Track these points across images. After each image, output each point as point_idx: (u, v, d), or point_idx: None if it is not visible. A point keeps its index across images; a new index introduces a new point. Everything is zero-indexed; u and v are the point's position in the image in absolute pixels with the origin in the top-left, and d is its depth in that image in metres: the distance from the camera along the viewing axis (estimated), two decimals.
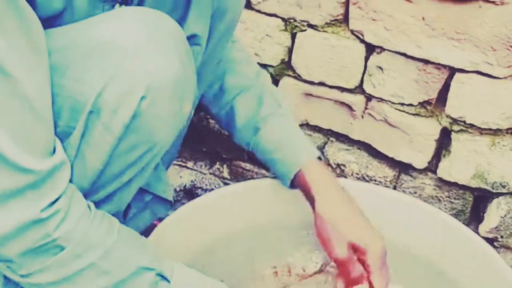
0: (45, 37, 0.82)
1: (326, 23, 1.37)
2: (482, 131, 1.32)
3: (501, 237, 1.38)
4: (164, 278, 0.91)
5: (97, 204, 0.92)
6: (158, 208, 1.19)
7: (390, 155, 1.42)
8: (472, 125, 1.32)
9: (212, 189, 1.59)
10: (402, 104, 1.36)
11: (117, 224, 0.90)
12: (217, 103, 1.23)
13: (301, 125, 1.50)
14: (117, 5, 0.93)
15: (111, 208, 0.95)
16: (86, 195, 0.90)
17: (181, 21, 1.02)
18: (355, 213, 1.13)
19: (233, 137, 1.23)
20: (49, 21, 0.85)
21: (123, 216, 1.14)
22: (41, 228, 0.82)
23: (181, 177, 1.64)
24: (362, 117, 1.42)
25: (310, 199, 1.14)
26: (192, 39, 1.03)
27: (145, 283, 0.89)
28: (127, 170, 0.92)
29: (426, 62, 1.30)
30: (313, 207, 1.13)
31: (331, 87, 1.42)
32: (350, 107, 1.42)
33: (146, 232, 1.09)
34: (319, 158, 1.18)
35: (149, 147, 0.90)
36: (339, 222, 1.10)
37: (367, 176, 1.46)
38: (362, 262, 1.09)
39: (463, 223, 1.30)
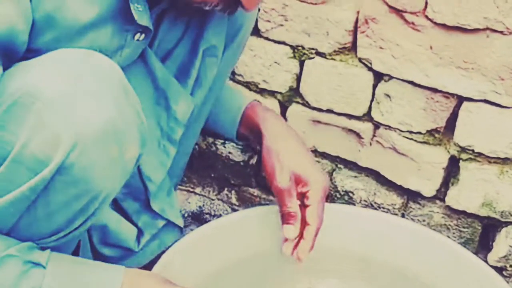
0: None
1: (334, 51, 1.38)
2: (490, 160, 1.31)
3: (510, 266, 1.37)
4: (36, 264, 0.86)
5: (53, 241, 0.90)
6: (168, 236, 1.19)
7: (398, 183, 1.42)
8: (480, 154, 1.31)
9: (220, 215, 1.59)
10: (410, 132, 1.36)
11: None
12: None
13: None
14: (138, 34, 0.95)
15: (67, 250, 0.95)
16: (40, 238, 0.89)
17: (199, 34, 1.05)
18: (302, 148, 1.16)
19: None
20: None
21: (137, 244, 1.14)
22: None
23: (189, 202, 1.64)
24: (370, 144, 1.42)
25: (258, 137, 1.17)
26: (209, 50, 1.06)
27: (11, 273, 0.83)
28: (78, 217, 0.88)
29: (434, 90, 1.31)
30: (261, 143, 1.16)
31: (339, 114, 1.43)
32: (358, 135, 1.43)
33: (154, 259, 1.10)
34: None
35: (92, 195, 0.86)
36: (285, 153, 1.12)
37: (375, 203, 1.46)
38: (301, 196, 1.12)
39: (472, 251, 1.29)
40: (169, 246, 1.15)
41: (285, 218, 1.11)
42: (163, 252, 1.13)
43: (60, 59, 0.84)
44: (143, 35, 0.97)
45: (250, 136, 1.20)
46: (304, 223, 1.11)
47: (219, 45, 1.06)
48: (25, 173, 0.82)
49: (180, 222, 1.19)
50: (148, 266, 1.13)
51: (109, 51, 0.93)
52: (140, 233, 1.17)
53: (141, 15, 0.91)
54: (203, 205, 1.65)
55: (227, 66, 1.13)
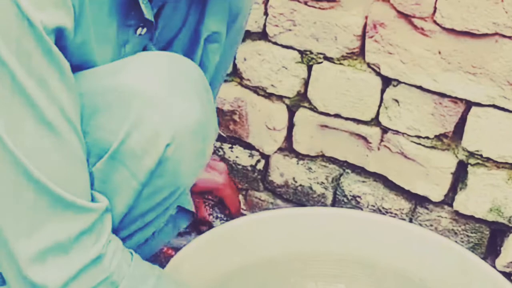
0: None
1: (342, 56, 1.38)
2: (498, 165, 1.31)
3: None
4: None
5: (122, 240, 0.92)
6: (180, 220, 1.19)
7: (406, 188, 1.41)
8: (488, 159, 1.31)
9: (227, 220, 1.59)
10: (419, 136, 1.36)
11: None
12: None
13: (317, 156, 1.50)
14: (140, 28, 0.95)
15: (130, 245, 0.96)
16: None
17: (199, 21, 1.04)
18: None
19: None
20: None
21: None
22: (99, 265, 0.82)
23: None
24: (378, 149, 1.42)
25: None
26: (212, 37, 1.05)
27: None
28: (151, 212, 0.93)
29: (442, 95, 1.31)
30: None
31: (346, 119, 1.43)
32: (366, 139, 1.43)
33: (162, 258, 1.10)
34: None
35: (173, 190, 0.90)
36: None
37: (383, 208, 1.46)
38: None
39: (480, 257, 1.29)
40: (178, 249, 1.15)
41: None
42: (170, 256, 1.13)
43: (149, 61, 0.87)
44: (144, 29, 0.96)
45: None
46: None
47: (221, 31, 1.06)
48: (122, 169, 0.85)
49: (191, 207, 1.20)
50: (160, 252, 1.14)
51: (115, 47, 0.93)
52: None
53: (148, 10, 0.91)
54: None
55: (229, 51, 1.14)
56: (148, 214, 0.93)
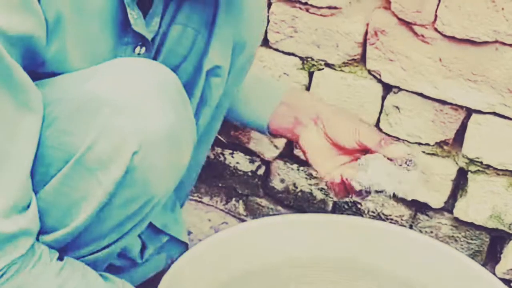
0: (40, 90, 0.83)
1: (344, 63, 1.39)
2: (499, 172, 1.31)
3: None
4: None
5: (100, 249, 0.92)
6: (173, 250, 1.18)
7: None
8: (489, 166, 1.31)
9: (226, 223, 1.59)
10: (419, 143, 1.37)
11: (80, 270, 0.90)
12: None
13: None
14: (138, 47, 0.95)
15: (114, 252, 0.95)
16: (85, 243, 0.91)
17: (203, 54, 1.03)
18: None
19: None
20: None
21: (140, 257, 1.14)
22: None
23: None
24: None
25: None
26: (214, 70, 1.04)
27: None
28: (127, 221, 0.91)
29: (443, 102, 1.31)
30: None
31: None
32: None
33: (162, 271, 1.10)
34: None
35: (147, 199, 0.88)
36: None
37: (383, 214, 1.46)
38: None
39: (480, 263, 1.29)
40: (175, 260, 1.15)
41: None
42: (170, 264, 1.13)
43: (121, 68, 0.86)
44: (143, 48, 0.96)
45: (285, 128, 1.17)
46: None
47: (224, 65, 1.04)
48: (87, 175, 0.84)
49: (184, 238, 1.19)
50: (155, 279, 1.13)
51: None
52: (144, 246, 1.17)
53: (136, 22, 0.91)
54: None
55: (234, 84, 1.11)
56: (125, 224, 0.92)
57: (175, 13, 1.00)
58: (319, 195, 1.50)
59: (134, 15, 0.90)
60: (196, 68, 1.05)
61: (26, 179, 0.83)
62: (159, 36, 1.00)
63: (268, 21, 1.42)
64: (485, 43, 1.23)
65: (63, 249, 0.90)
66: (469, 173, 1.34)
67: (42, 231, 0.88)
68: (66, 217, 0.88)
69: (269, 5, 1.41)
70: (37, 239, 0.87)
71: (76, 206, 0.87)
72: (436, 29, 1.26)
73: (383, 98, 1.38)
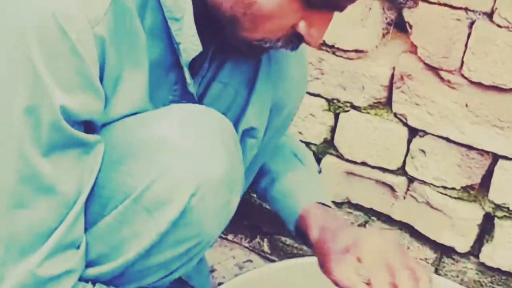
0: (102, 133, 0.86)
1: (369, 105, 1.39)
2: None
3: None
4: None
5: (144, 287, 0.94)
6: None
7: (432, 238, 1.41)
8: None
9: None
10: (445, 187, 1.36)
11: None
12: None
13: (343, 203, 1.50)
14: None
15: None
16: (130, 279, 0.92)
17: (241, 114, 1.04)
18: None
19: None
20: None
21: None
22: None
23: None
24: (404, 198, 1.42)
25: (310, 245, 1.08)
26: (249, 132, 1.05)
27: None
28: (175, 261, 0.93)
29: (469, 147, 1.31)
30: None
31: (373, 167, 1.43)
32: (392, 188, 1.43)
33: None
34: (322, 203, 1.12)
35: (198, 241, 0.91)
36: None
37: None
38: None
39: None
40: None
41: None
42: None
43: (178, 113, 0.89)
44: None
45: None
46: None
47: (260, 127, 1.05)
48: (143, 213, 0.86)
49: None
50: None
51: None
52: None
53: (190, 82, 0.93)
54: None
55: (270, 142, 1.12)
56: (172, 263, 0.93)
57: (218, 70, 1.02)
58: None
59: (187, 77, 0.92)
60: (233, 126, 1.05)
61: (78, 218, 0.86)
62: (199, 91, 1.02)
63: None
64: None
65: (106, 283, 0.92)
66: (495, 218, 1.33)
67: (89, 264, 0.90)
68: (115, 252, 0.90)
69: None
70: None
71: (127, 242, 0.89)
72: (462, 75, 1.26)
73: (409, 141, 1.38)
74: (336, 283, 0.95)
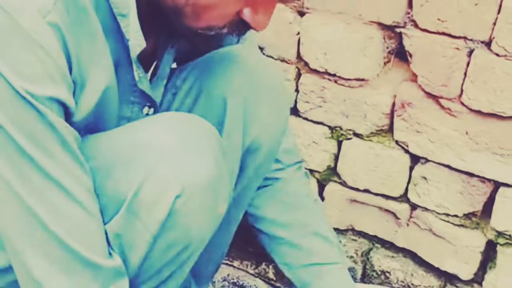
0: (88, 143, 0.89)
1: (372, 133, 1.41)
2: None
3: None
4: None
5: None
6: None
7: (436, 265, 1.41)
8: None
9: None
10: (447, 214, 1.36)
11: None
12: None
13: (346, 230, 1.51)
14: (146, 108, 0.98)
15: None
16: None
17: None
18: None
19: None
20: (87, 127, 0.91)
21: None
22: None
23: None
24: (407, 225, 1.43)
25: None
26: None
27: None
28: (166, 267, 0.94)
29: (471, 175, 1.31)
30: None
31: (376, 194, 1.44)
32: (395, 215, 1.43)
33: None
34: None
35: (185, 245, 0.92)
36: None
37: (412, 284, 1.45)
38: None
39: None
40: None
41: None
42: None
43: (165, 119, 0.91)
44: (152, 109, 1.00)
45: None
46: None
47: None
48: (136, 221, 0.88)
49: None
50: None
51: (116, 120, 0.97)
52: None
53: (141, 80, 0.94)
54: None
55: (248, 187, 1.14)
56: (163, 270, 0.95)
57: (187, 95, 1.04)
58: (348, 263, 1.50)
59: (139, 73, 0.93)
60: None
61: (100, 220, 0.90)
62: (166, 99, 1.04)
63: (298, 91, 1.45)
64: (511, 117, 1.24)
65: None
66: (498, 245, 1.33)
67: None
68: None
69: (299, 75, 1.45)
70: None
71: (125, 253, 0.91)
72: (462, 103, 1.27)
73: (411, 168, 1.39)
74: None
